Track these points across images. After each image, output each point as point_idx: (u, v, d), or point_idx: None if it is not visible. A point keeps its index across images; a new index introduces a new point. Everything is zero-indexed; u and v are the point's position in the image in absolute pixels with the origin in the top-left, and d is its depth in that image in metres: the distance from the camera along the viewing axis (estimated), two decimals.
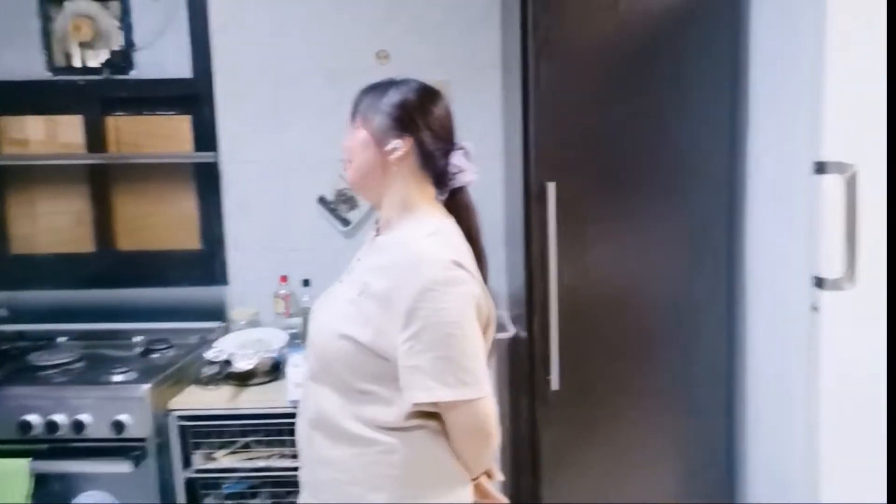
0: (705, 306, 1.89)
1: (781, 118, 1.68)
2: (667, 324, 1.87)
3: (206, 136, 2.43)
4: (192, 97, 2.42)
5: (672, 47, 1.76)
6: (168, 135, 2.49)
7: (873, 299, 1.48)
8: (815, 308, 1.55)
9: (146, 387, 1.85)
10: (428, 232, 1.14)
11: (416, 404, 1.08)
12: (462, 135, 1.78)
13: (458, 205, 1.23)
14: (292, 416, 1.94)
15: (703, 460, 1.94)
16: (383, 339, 1.08)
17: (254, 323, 2.41)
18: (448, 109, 1.22)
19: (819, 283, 1.53)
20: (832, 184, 1.48)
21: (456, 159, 1.20)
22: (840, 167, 1.47)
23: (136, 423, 1.82)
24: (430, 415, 1.12)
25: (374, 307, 1.09)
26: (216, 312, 2.45)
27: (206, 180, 2.46)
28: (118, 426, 1.80)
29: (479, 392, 1.08)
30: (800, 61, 1.58)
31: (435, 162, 1.19)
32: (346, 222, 2.47)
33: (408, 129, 1.17)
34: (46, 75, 2.40)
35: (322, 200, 2.47)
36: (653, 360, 1.88)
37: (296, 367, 1.95)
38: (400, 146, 1.16)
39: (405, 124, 1.17)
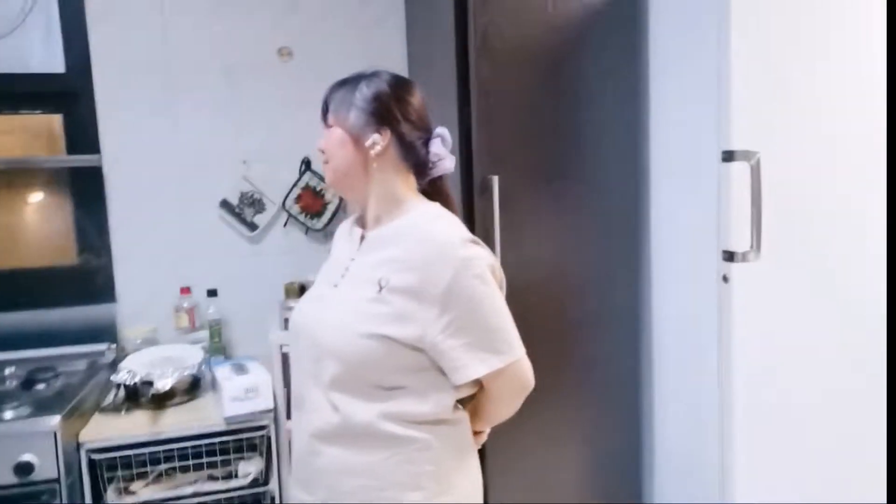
0: (619, 286, 2.06)
1: (689, 111, 1.87)
2: (585, 305, 2.00)
3: (84, 138, 2.17)
4: (64, 94, 2.15)
5: (590, 46, 1.90)
6: (34, 137, 2.19)
7: (777, 271, 1.72)
8: (725, 278, 1.76)
9: (55, 420, 1.62)
10: (434, 215, 1.16)
11: (471, 382, 1.10)
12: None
13: (437, 193, 1.23)
14: (224, 433, 1.83)
15: (613, 446, 2.09)
16: (418, 329, 1.06)
17: (150, 341, 2.20)
18: (422, 98, 1.21)
19: (729, 256, 1.73)
20: (739, 169, 1.70)
21: (435, 147, 1.19)
22: (746, 155, 1.68)
23: (45, 463, 1.59)
24: (461, 400, 1.15)
25: (401, 301, 1.07)
26: (105, 333, 2.20)
27: (86, 186, 2.19)
28: (24, 469, 1.56)
29: (521, 350, 1.13)
30: (704, 59, 1.78)
31: (416, 152, 1.18)
32: (252, 226, 2.34)
33: (385, 121, 1.15)
34: None
35: (225, 204, 2.31)
36: (571, 343, 2.00)
37: (229, 380, 1.82)
38: (379, 140, 1.14)
39: (382, 117, 1.15)
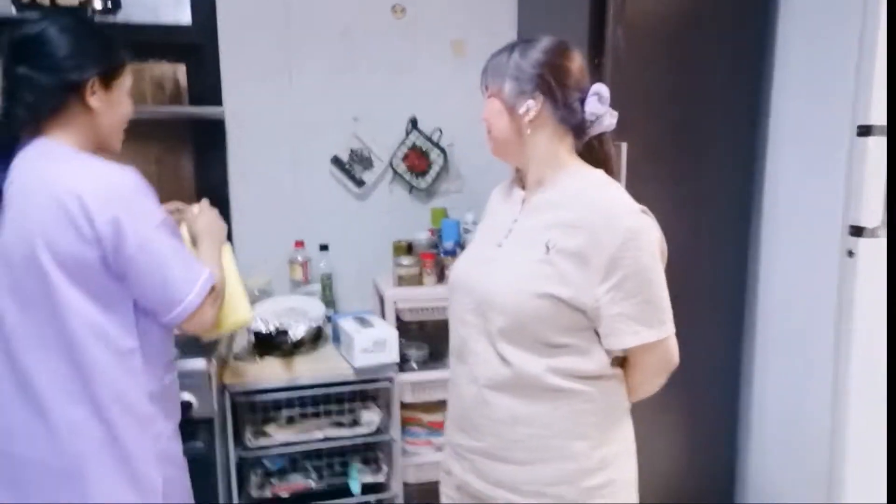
0: (727, 263, 2.09)
1: (818, 88, 1.87)
2: (690, 282, 2.03)
3: (207, 91, 2.23)
4: (190, 46, 2.20)
5: (718, 17, 1.91)
6: (158, 87, 2.25)
7: None
8: (850, 253, 1.79)
9: (209, 363, 1.72)
10: (604, 181, 1.18)
11: (622, 350, 1.15)
12: (475, 97, 1.85)
13: (600, 153, 1.23)
14: (352, 382, 1.93)
15: (708, 440, 2.14)
16: (583, 292, 1.11)
17: (266, 292, 2.29)
18: (577, 58, 1.21)
19: (857, 231, 1.76)
20: (874, 144, 1.71)
21: (591, 106, 1.18)
22: (883, 130, 1.70)
23: (202, 403, 1.69)
24: (616, 361, 1.19)
25: (568, 263, 1.11)
26: None
27: (208, 138, 2.26)
28: (184, 408, 1.66)
29: (672, 328, 1.16)
30: (845, 40, 1.77)
31: (572, 114, 1.18)
32: (360, 183, 2.40)
33: (538, 87, 1.16)
34: (11, 12, 2.05)
35: (336, 160, 2.37)
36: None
37: (358, 333, 1.91)
38: (532, 106, 1.16)
39: (535, 84, 1.16)
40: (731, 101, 1.99)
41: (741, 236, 2.11)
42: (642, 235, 1.11)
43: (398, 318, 2.16)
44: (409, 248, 2.31)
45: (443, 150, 2.42)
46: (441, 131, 2.43)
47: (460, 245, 2.27)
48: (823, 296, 1.87)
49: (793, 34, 1.97)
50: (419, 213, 2.46)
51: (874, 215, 1.73)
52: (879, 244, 1.74)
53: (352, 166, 2.38)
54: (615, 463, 1.19)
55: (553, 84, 1.16)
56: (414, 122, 2.40)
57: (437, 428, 2.21)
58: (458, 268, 1.30)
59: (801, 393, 2.00)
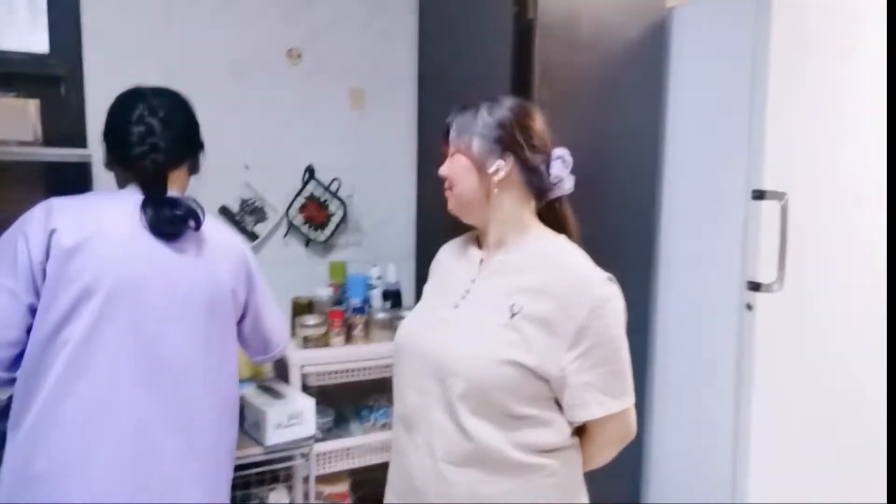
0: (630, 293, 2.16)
1: (713, 154, 2.01)
2: None
3: (68, 130, 1.90)
4: (46, 78, 1.86)
5: (620, 77, 1.99)
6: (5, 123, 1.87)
7: (799, 301, 1.90)
8: (749, 306, 1.92)
9: None
10: (571, 248, 1.16)
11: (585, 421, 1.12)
12: (375, 147, 1.84)
13: (558, 216, 1.22)
14: (261, 464, 1.69)
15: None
16: (548, 360, 1.06)
17: None
18: (543, 121, 1.21)
19: (755, 286, 1.89)
20: (768, 207, 1.86)
21: (556, 170, 1.18)
22: (776, 194, 1.85)
23: None
24: (573, 430, 1.15)
25: (534, 330, 1.07)
26: None
27: (68, 184, 1.91)
28: None
29: (633, 398, 1.15)
30: (735, 106, 1.92)
31: (539, 176, 1.17)
32: (252, 236, 2.17)
33: (509, 147, 1.14)
34: None
35: (224, 211, 2.12)
36: None
37: (271, 406, 1.68)
38: (502, 166, 1.14)
39: (505, 144, 1.14)
40: (635, 160, 2.09)
41: (642, 287, 2.19)
42: (611, 304, 1.09)
43: (303, 384, 1.95)
44: (309, 306, 2.12)
45: (342, 202, 2.27)
46: (340, 182, 2.28)
47: (368, 302, 2.13)
48: (723, 345, 1.98)
49: (684, 103, 2.11)
50: (316, 267, 2.29)
51: (770, 272, 1.87)
52: (775, 298, 1.88)
53: (242, 217, 2.15)
54: None
55: (522, 144, 1.14)
56: (311, 172, 2.24)
57: (341, 499, 2.03)
58: (408, 330, 1.22)
59: (700, 435, 2.09)
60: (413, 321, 1.24)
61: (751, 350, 1.90)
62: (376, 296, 2.18)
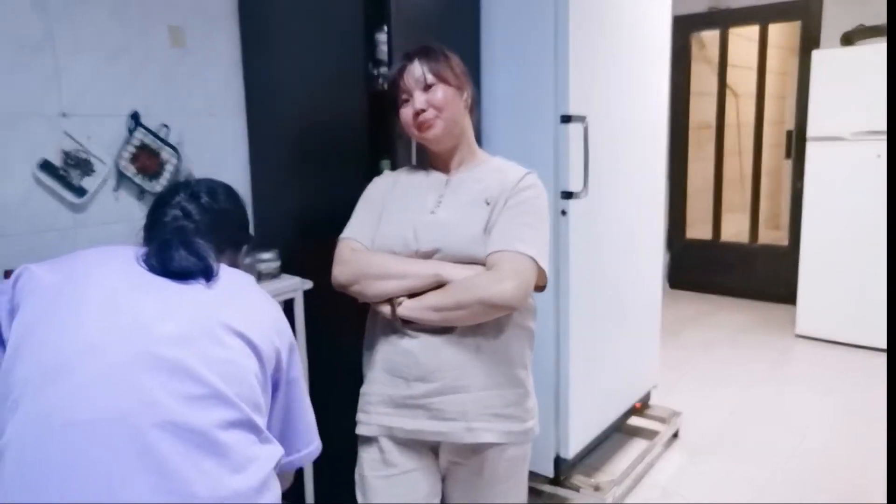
0: None
1: (526, 85, 2.34)
2: None
3: None
4: None
5: (448, 22, 2.21)
6: None
7: (600, 204, 2.37)
8: (564, 212, 2.33)
9: None
10: (506, 162, 1.53)
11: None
12: (199, 88, 2.16)
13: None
14: None
15: None
16: None
17: None
18: None
19: (568, 195, 2.31)
20: (574, 130, 2.26)
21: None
22: (580, 119, 2.25)
23: None
24: None
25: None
26: None
27: None
28: None
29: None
30: (542, 47, 2.26)
31: (475, 107, 1.51)
32: (80, 192, 1.96)
33: (466, 82, 1.46)
34: None
35: (46, 166, 1.89)
36: None
37: None
38: (468, 95, 1.45)
39: (464, 79, 1.46)
40: None
41: None
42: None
43: None
44: None
45: (174, 148, 2.16)
46: (168, 127, 2.16)
47: None
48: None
49: (497, 42, 2.40)
50: None
51: (578, 182, 2.29)
52: (582, 203, 2.32)
53: (67, 172, 1.93)
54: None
55: (470, 81, 1.48)
56: (137, 118, 2.08)
57: None
58: (394, 228, 1.44)
59: None
60: (397, 224, 1.45)
61: (566, 248, 2.34)
62: None
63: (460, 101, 1.42)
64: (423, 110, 1.38)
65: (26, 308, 1.02)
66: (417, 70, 1.39)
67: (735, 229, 5.31)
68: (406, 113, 1.42)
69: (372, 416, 1.41)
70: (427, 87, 1.38)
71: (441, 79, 1.39)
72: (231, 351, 1.01)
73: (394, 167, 1.90)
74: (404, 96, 1.43)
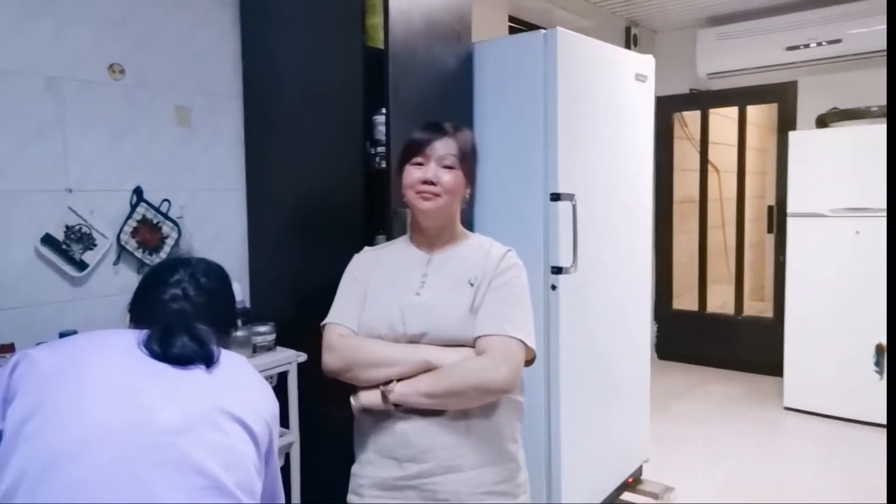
0: None
1: (517, 164, 2.43)
2: None
3: None
4: None
5: (445, 98, 2.33)
6: None
7: (587, 279, 2.43)
8: (553, 287, 2.39)
9: None
10: (488, 240, 1.56)
11: None
12: (203, 166, 2.21)
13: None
14: None
15: None
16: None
17: None
18: None
19: (558, 270, 2.37)
20: (563, 207, 2.34)
21: None
22: (568, 196, 2.34)
23: None
24: None
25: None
26: None
27: None
28: None
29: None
30: (532, 127, 2.37)
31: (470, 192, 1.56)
32: (81, 265, 2.00)
33: (473, 171, 1.52)
34: None
35: (48, 240, 1.93)
36: None
37: None
38: (471, 189, 1.51)
39: (474, 168, 1.52)
40: None
41: None
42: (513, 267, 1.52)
43: None
44: None
45: (175, 223, 2.21)
46: (170, 203, 2.22)
47: None
48: (535, 321, 2.41)
49: (491, 121, 2.51)
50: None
51: (567, 257, 2.36)
52: (572, 278, 2.38)
53: (69, 246, 1.98)
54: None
55: (475, 171, 1.53)
56: (139, 193, 2.14)
57: None
58: (380, 311, 1.45)
59: None
60: (382, 307, 1.45)
61: (556, 322, 2.38)
62: None
63: (464, 191, 1.47)
64: (433, 183, 1.41)
65: (23, 396, 1.01)
66: (448, 146, 1.43)
67: (721, 300, 5.38)
68: (413, 174, 1.43)
69: (364, 499, 1.41)
70: (445, 166, 1.43)
71: (460, 165, 1.44)
72: (231, 437, 1.02)
73: None
74: (419, 159, 1.43)
